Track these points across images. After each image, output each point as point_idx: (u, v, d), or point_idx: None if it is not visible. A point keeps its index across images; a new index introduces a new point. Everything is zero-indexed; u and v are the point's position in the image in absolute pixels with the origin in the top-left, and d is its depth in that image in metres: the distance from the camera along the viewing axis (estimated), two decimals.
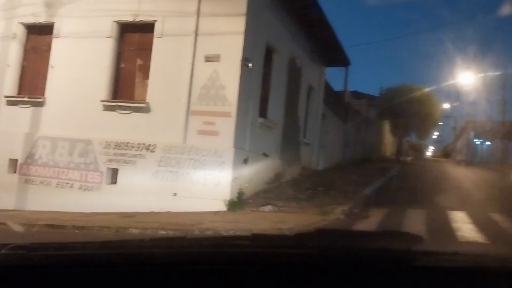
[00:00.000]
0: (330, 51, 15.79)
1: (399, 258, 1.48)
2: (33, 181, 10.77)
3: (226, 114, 9.64)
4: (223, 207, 9.23)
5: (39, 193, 10.60)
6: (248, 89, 10.13)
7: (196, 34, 9.98)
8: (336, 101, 20.44)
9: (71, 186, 10.51)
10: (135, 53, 10.88)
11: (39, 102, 11.00)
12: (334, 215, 8.72)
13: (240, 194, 9.51)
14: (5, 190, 10.57)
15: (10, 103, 11.24)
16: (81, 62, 10.79)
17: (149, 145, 10.10)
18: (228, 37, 9.83)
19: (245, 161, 10.00)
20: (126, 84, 10.82)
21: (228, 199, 9.23)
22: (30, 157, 10.86)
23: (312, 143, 15.56)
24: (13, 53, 11.33)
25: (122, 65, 10.88)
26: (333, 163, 19.21)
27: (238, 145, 9.74)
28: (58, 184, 10.60)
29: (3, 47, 11.26)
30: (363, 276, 1.41)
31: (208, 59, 9.84)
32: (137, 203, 9.46)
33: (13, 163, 10.93)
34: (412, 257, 1.50)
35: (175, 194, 9.63)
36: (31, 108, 11.05)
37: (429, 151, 57.87)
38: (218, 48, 9.83)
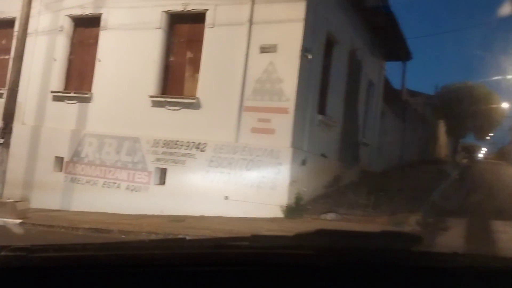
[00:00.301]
0: (392, 44, 14.51)
1: (398, 259, 1.48)
2: (79, 180, 10.32)
3: (283, 110, 8.73)
4: (279, 214, 8.32)
5: (85, 193, 10.14)
6: (307, 83, 9.17)
7: (251, 23, 9.14)
8: (394, 98, 19.08)
9: (118, 186, 9.96)
10: (185, 45, 10.20)
11: (86, 97, 10.54)
12: (409, 225, 7.63)
13: (298, 199, 8.57)
14: (50, 189, 10.21)
15: (57, 98, 10.84)
16: (129, 55, 10.23)
17: (199, 143, 9.36)
18: (286, 25, 8.92)
19: (303, 163, 9.03)
20: (176, 78, 10.15)
21: (286, 205, 8.32)
22: (76, 155, 10.41)
23: (371, 143, 14.36)
24: (60, 46, 10.91)
25: (172, 58, 10.21)
26: (390, 164, 17.95)
27: (296, 144, 8.80)
28: (104, 184, 10.09)
29: (50, 40, 10.87)
30: (363, 276, 1.39)
31: (264, 49, 8.96)
32: (186, 206, 8.79)
33: (59, 161, 10.52)
34: (411, 258, 1.50)
35: (226, 198, 8.83)
36: (78, 104, 10.61)
37: (482, 153, 54.68)
38: (275, 37, 8.94)
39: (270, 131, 8.79)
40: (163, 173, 9.71)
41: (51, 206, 9.94)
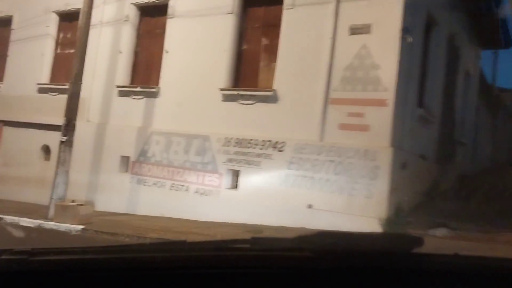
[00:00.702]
0: (492, 29, 12.49)
1: (400, 261, 1.43)
2: (145, 182, 9.49)
3: (380, 102, 7.31)
4: (376, 227, 6.90)
5: (152, 196, 9.33)
6: (408, 69, 7.68)
7: (338, 1, 7.81)
8: (486, 93, 16.89)
9: (187, 190, 9.01)
10: (260, 31, 9.04)
11: (153, 92, 9.69)
12: None
13: (399, 210, 7.12)
14: (116, 191, 9.49)
15: (122, 94, 10.08)
16: (198, 45, 9.25)
17: (277, 142, 8.17)
18: (382, 1, 7.51)
19: (404, 166, 7.56)
20: (249, 68, 9.03)
21: (385, 217, 6.90)
22: (142, 155, 9.60)
23: (467, 143, 12.48)
24: (126, 38, 10.13)
25: (245, 46, 9.11)
26: (482, 166, 15.88)
27: (396, 143, 7.35)
28: (172, 186, 9.19)
29: (115, 31, 10.14)
30: (364, 279, 1.35)
31: (355, 31, 7.60)
32: (262, 214, 7.65)
33: (125, 161, 9.74)
34: (413, 260, 1.46)
35: (310, 206, 7.57)
36: (144, 99, 9.78)
37: None
38: (368, 16, 7.55)
39: (363, 128, 7.40)
40: (235, 175, 8.64)
41: (116, 209, 9.23)
